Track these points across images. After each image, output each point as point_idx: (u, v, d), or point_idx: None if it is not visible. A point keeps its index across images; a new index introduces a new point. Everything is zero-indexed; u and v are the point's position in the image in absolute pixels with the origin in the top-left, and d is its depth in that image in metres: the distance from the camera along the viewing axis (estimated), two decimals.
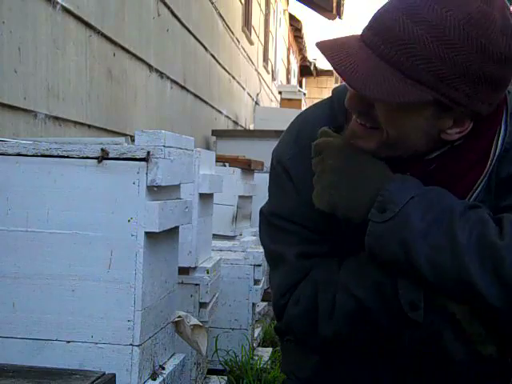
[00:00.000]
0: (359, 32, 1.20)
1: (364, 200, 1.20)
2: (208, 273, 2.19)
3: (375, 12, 1.16)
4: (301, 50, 18.51)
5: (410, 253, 1.15)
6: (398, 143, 1.18)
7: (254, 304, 2.75)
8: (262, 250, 2.00)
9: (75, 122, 2.93)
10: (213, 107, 6.25)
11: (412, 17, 1.08)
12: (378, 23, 1.13)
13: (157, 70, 4.25)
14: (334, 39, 1.19)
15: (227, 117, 7.08)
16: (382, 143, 1.19)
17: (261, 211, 1.41)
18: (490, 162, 1.24)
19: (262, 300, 3.07)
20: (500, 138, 1.23)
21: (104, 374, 1.30)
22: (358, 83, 1.10)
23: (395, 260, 1.18)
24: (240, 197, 3.23)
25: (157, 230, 1.39)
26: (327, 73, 19.38)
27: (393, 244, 1.17)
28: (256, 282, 2.72)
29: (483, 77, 1.09)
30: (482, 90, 1.11)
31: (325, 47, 1.16)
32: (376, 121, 1.17)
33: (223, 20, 6.61)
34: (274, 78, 12.33)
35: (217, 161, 2.80)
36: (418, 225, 1.15)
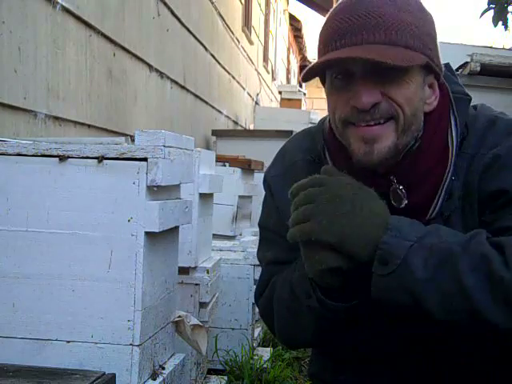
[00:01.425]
0: None
1: (369, 246, 1.18)
2: (208, 273, 2.19)
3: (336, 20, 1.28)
4: (301, 49, 18.51)
5: (420, 302, 1.16)
6: (412, 122, 1.25)
7: (253, 304, 2.75)
8: None
9: (75, 122, 2.93)
10: (213, 107, 6.25)
11: (395, 5, 1.27)
12: (358, 25, 1.24)
13: (157, 70, 4.25)
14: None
15: (227, 117, 7.08)
16: (399, 131, 1.24)
17: None
18: (450, 153, 1.29)
19: None
20: (453, 130, 1.31)
21: (104, 373, 1.30)
22: (377, 57, 1.18)
23: (405, 309, 1.18)
24: (240, 197, 3.23)
25: (157, 230, 1.39)
26: None
27: (400, 295, 1.17)
28: (256, 281, 2.72)
29: (434, 37, 1.29)
30: (437, 48, 1.29)
31: (330, 58, 1.23)
32: (388, 109, 1.23)
33: (223, 20, 6.61)
34: (273, 78, 12.33)
35: (217, 161, 2.80)
36: (421, 274, 1.15)
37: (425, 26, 1.27)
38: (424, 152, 1.28)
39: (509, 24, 6.61)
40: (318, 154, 1.39)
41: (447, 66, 1.38)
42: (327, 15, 1.32)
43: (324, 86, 1.33)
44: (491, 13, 6.52)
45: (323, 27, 1.30)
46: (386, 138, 1.24)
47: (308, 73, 1.27)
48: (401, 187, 1.27)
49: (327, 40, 1.26)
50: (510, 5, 6.52)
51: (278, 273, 1.41)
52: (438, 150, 1.29)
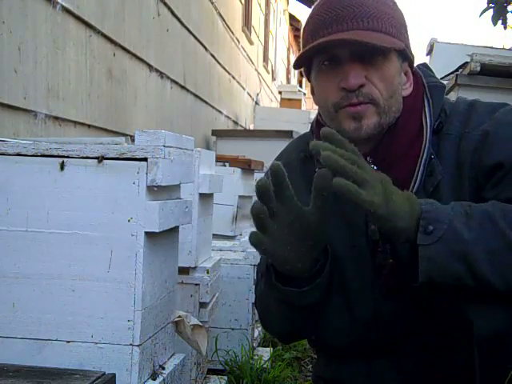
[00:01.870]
0: None
1: (410, 223, 1.20)
2: (208, 273, 2.18)
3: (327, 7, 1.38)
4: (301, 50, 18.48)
5: (473, 265, 1.16)
6: (391, 104, 1.36)
7: (253, 304, 2.75)
8: None
9: (75, 122, 2.93)
10: (213, 107, 6.25)
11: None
12: (343, 15, 1.35)
13: (157, 70, 4.25)
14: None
15: (227, 117, 7.08)
16: (380, 112, 1.35)
17: None
18: (425, 131, 1.38)
19: None
20: (427, 112, 1.40)
21: (104, 373, 1.30)
22: (365, 39, 1.30)
23: (459, 277, 1.18)
24: (240, 197, 3.23)
25: (157, 230, 1.39)
26: None
27: (452, 261, 1.17)
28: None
29: (406, 26, 1.41)
30: (408, 38, 1.41)
31: (321, 41, 1.34)
32: (371, 93, 1.34)
33: (223, 20, 6.61)
34: (273, 78, 12.33)
35: (217, 161, 2.80)
36: (468, 235, 1.17)
37: (399, 17, 1.40)
38: (399, 132, 1.38)
39: (508, 23, 6.61)
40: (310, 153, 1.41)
41: (424, 64, 1.51)
42: (312, 9, 1.42)
43: (308, 78, 1.45)
44: (491, 12, 6.53)
45: (308, 20, 1.42)
46: (371, 115, 1.34)
47: (299, 59, 1.39)
48: (375, 167, 1.33)
49: (314, 30, 1.37)
50: (509, 4, 6.53)
51: None
52: (413, 129, 1.39)
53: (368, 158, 1.35)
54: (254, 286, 2.66)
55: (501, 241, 1.16)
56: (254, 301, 1.58)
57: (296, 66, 1.44)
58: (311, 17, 1.40)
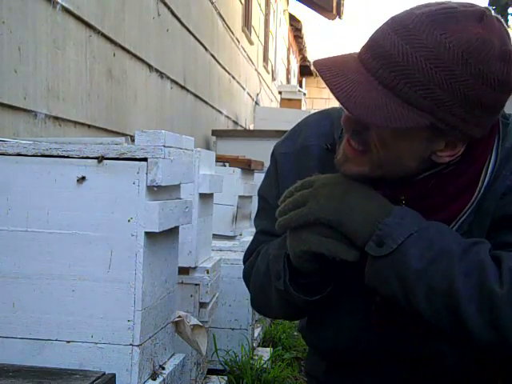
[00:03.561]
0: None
1: (368, 224, 1.16)
2: (208, 273, 2.19)
3: (374, 31, 1.16)
4: (301, 49, 18.51)
5: (409, 291, 1.14)
6: (391, 165, 1.19)
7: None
8: None
9: (75, 122, 2.94)
10: (213, 107, 6.25)
11: (411, 42, 1.09)
12: (377, 46, 1.13)
13: (157, 70, 4.25)
14: (333, 58, 1.18)
15: (227, 117, 7.08)
16: (373, 166, 1.19)
17: None
18: (478, 190, 1.22)
19: None
20: (490, 166, 1.22)
21: (104, 373, 1.30)
22: (355, 108, 1.10)
23: (395, 296, 1.17)
24: (240, 197, 3.23)
25: (157, 230, 1.39)
26: None
27: (392, 281, 1.15)
28: None
29: (480, 102, 1.10)
30: (478, 115, 1.11)
31: (323, 68, 1.15)
32: (368, 143, 1.17)
33: (223, 20, 6.61)
34: (273, 78, 12.33)
35: (217, 161, 2.80)
36: (416, 264, 1.13)
37: (454, 85, 1.08)
38: (450, 180, 1.21)
39: (509, 26, 6.62)
40: (333, 143, 1.34)
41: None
42: None
43: None
44: None
45: None
46: (358, 164, 1.20)
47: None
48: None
49: (366, 43, 1.18)
50: (509, 6, 6.53)
51: (266, 242, 1.42)
52: (466, 179, 1.22)
53: (402, 198, 1.22)
54: None
55: (446, 284, 1.11)
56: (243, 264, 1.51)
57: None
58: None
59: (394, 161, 1.18)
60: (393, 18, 1.14)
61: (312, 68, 19.19)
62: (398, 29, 1.11)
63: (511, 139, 1.24)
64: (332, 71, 1.14)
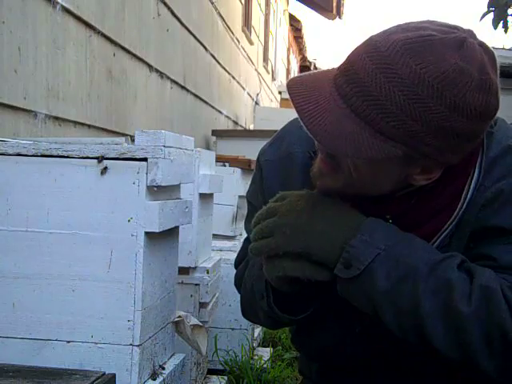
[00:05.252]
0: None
1: (336, 249, 1.15)
2: (208, 273, 2.19)
3: (352, 51, 1.12)
4: (301, 49, 18.51)
5: (379, 312, 1.15)
6: (365, 187, 1.17)
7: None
8: None
9: (75, 122, 2.93)
10: (213, 107, 6.25)
11: (385, 71, 1.05)
12: (352, 71, 1.09)
13: (157, 70, 4.25)
14: (306, 79, 1.14)
15: (227, 117, 7.08)
16: (348, 185, 1.17)
17: None
18: (459, 206, 1.20)
19: None
20: (472, 183, 1.20)
21: (104, 374, 1.30)
22: (325, 139, 1.08)
23: (366, 311, 1.18)
24: (240, 197, 3.23)
25: (157, 230, 1.39)
26: None
27: (362, 300, 1.16)
28: None
29: (456, 133, 1.07)
30: (454, 144, 1.09)
31: (294, 92, 1.11)
32: (342, 167, 1.15)
33: (223, 20, 6.61)
34: (273, 78, 12.33)
35: (217, 161, 2.80)
36: (382, 284, 1.12)
37: (440, 121, 1.05)
38: (428, 198, 1.20)
39: (509, 26, 6.62)
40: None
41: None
42: None
43: None
44: (491, 15, 6.54)
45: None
46: (332, 180, 1.18)
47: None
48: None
49: (342, 65, 1.14)
50: (509, 7, 6.54)
51: None
52: (445, 198, 1.20)
53: (388, 217, 1.20)
54: None
55: (412, 305, 1.10)
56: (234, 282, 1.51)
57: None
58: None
59: (368, 183, 1.16)
60: (370, 40, 1.10)
61: (312, 68, 19.21)
62: (373, 55, 1.07)
63: (495, 149, 1.20)
64: (304, 96, 1.10)
